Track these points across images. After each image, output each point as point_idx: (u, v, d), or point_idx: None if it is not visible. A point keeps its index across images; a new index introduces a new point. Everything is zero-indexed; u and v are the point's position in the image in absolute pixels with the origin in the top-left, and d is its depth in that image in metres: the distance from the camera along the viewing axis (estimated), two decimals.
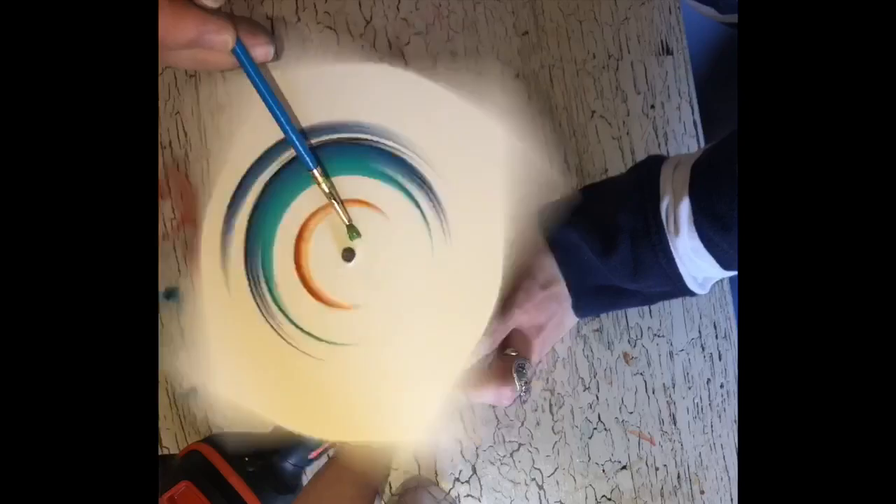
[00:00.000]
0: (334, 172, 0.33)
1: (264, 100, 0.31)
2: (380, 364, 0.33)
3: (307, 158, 0.31)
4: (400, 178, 0.33)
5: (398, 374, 0.33)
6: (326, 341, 0.33)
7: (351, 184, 0.33)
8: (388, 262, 0.33)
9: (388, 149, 0.33)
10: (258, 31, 0.31)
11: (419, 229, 0.33)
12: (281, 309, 0.33)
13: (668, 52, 0.51)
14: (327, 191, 0.31)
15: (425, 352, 0.33)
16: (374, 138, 0.32)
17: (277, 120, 0.31)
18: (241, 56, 0.30)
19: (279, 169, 0.33)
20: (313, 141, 0.32)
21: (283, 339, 0.33)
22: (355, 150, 0.33)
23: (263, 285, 0.33)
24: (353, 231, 0.31)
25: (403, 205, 0.33)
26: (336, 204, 0.31)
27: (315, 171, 0.31)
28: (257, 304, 0.33)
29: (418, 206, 0.33)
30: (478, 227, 0.33)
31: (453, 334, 0.33)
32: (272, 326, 0.32)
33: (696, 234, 0.37)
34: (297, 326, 0.33)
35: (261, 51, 0.31)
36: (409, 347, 0.33)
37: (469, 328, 0.33)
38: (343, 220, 0.32)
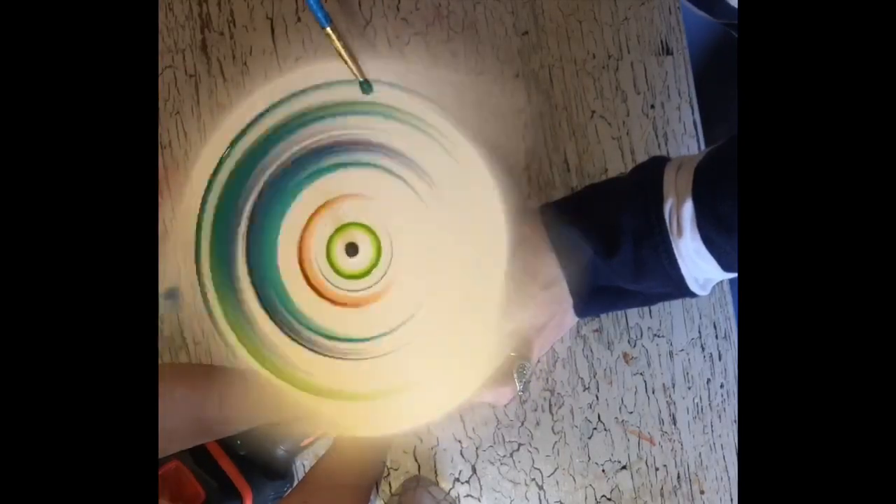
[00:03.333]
0: (325, 172, 0.33)
1: None
2: (382, 360, 0.33)
3: (320, 16, 0.33)
4: (401, 172, 0.33)
5: (400, 369, 0.33)
6: (333, 337, 0.33)
7: (347, 179, 0.33)
8: (389, 257, 0.33)
9: (394, 145, 0.33)
10: None
11: (421, 223, 0.33)
12: (287, 309, 0.33)
13: (668, 52, 0.51)
14: (341, 47, 0.32)
15: (433, 342, 0.33)
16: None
17: None
18: None
19: (280, 169, 0.33)
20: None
21: (290, 337, 0.33)
22: (347, 147, 0.33)
23: (268, 285, 0.33)
24: (366, 86, 0.32)
25: (406, 198, 0.33)
26: (349, 61, 0.32)
27: (328, 29, 0.32)
28: (262, 304, 0.33)
29: (421, 199, 0.33)
30: (479, 217, 0.33)
31: (459, 325, 0.33)
32: (278, 326, 0.32)
33: (698, 236, 0.37)
34: (303, 325, 0.33)
35: None
36: (415, 339, 0.33)
37: (475, 318, 0.33)
38: (357, 76, 0.32)
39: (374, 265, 0.33)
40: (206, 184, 0.33)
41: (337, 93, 0.33)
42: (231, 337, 0.33)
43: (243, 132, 0.33)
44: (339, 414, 0.33)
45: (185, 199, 0.32)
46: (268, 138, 0.33)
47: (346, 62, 0.32)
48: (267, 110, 0.33)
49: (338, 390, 0.32)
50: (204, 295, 0.33)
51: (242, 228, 0.33)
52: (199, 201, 0.33)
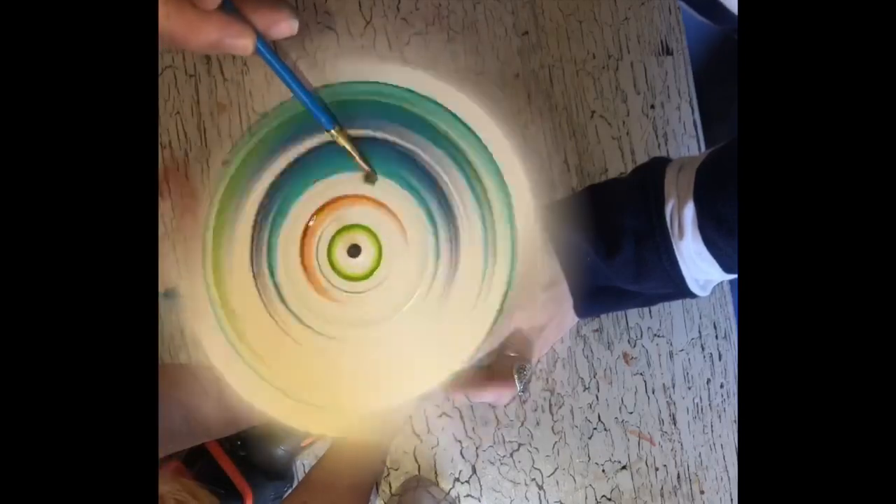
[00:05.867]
0: (330, 173, 0.33)
1: (289, 87, 0.31)
2: (377, 361, 0.33)
3: (324, 119, 0.31)
4: (407, 176, 0.33)
5: (394, 371, 0.33)
6: (326, 335, 0.33)
7: (353, 180, 0.33)
8: (392, 261, 0.33)
9: (400, 148, 0.33)
10: (279, 7, 0.31)
11: (424, 228, 0.33)
12: (283, 301, 0.33)
13: (668, 52, 0.51)
14: (349, 147, 0.32)
15: (426, 351, 0.33)
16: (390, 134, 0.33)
17: (303, 103, 0.31)
18: (266, 54, 0.31)
19: (285, 167, 0.34)
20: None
21: (281, 329, 0.33)
22: (368, 149, 0.33)
23: (267, 277, 0.33)
24: (371, 178, 0.32)
25: (409, 202, 0.33)
26: (357, 157, 0.32)
27: (333, 131, 0.32)
28: (259, 293, 0.33)
29: (425, 203, 0.33)
30: (485, 229, 0.33)
31: (456, 334, 0.33)
32: (272, 316, 0.33)
33: (699, 238, 0.37)
34: (297, 319, 0.33)
35: (284, 27, 0.31)
36: (410, 346, 0.33)
37: (473, 328, 0.33)
38: (364, 167, 0.32)
39: (376, 267, 0.33)
40: (211, 182, 0.33)
41: (347, 94, 0.33)
42: (230, 335, 0.33)
43: (251, 130, 0.33)
44: (335, 417, 0.33)
45: (190, 197, 0.32)
46: (275, 137, 0.33)
47: (353, 156, 0.32)
48: (275, 109, 0.33)
49: (334, 392, 0.33)
50: (206, 294, 0.33)
51: (247, 225, 0.33)
52: (205, 198, 0.33)
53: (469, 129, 0.33)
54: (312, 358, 0.33)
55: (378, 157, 0.33)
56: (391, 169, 0.33)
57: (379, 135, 0.33)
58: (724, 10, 0.56)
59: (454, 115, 0.33)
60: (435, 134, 0.33)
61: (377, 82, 0.33)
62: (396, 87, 0.33)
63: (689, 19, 0.52)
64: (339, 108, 0.33)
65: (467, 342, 0.33)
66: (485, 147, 0.33)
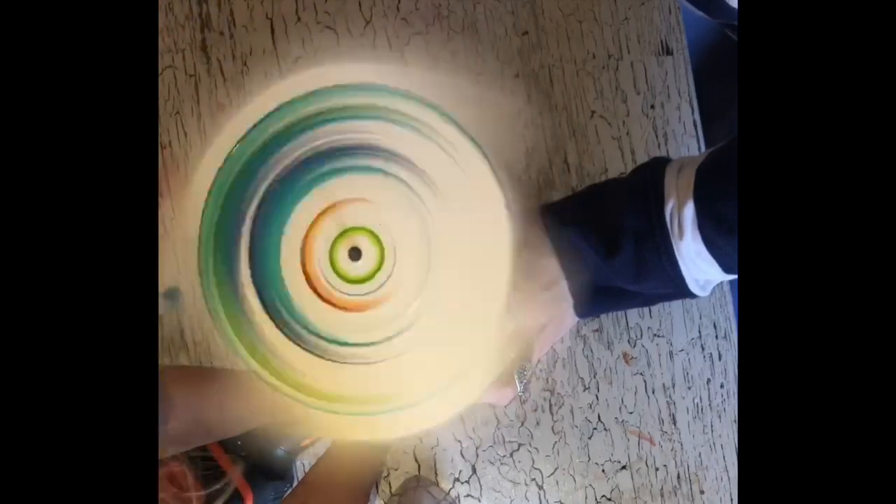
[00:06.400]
0: (330, 176, 0.33)
1: None
2: (379, 362, 0.33)
3: None
4: (406, 176, 0.33)
5: (402, 374, 0.33)
6: (328, 337, 0.33)
7: (352, 183, 0.33)
8: (394, 262, 0.33)
9: (399, 148, 0.33)
10: None
11: (424, 228, 0.33)
12: (289, 312, 0.33)
13: (668, 52, 0.51)
14: None
15: (433, 350, 0.33)
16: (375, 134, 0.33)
17: None
18: None
19: (286, 170, 0.33)
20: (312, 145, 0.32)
21: (292, 340, 0.33)
22: (352, 152, 0.33)
23: (268, 280, 0.33)
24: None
25: (408, 201, 0.33)
26: None
27: None
28: (260, 297, 0.33)
29: (424, 203, 0.33)
30: (483, 226, 0.33)
31: (461, 333, 0.33)
32: (273, 319, 0.33)
33: (699, 238, 0.37)
34: (306, 328, 0.33)
35: None
36: (417, 345, 0.33)
37: (477, 326, 0.33)
38: None
39: (378, 270, 0.33)
40: (210, 182, 0.33)
41: (346, 96, 0.33)
42: (232, 338, 0.33)
43: (251, 131, 0.33)
44: (338, 419, 0.33)
45: (189, 197, 0.32)
46: (275, 139, 0.33)
47: None
48: (275, 110, 0.33)
49: (337, 395, 0.33)
50: (206, 295, 0.33)
51: (246, 228, 0.33)
52: (203, 200, 0.33)
53: (467, 130, 0.33)
54: (314, 359, 0.33)
55: (377, 159, 0.33)
56: (390, 169, 0.33)
57: (376, 137, 0.33)
58: (722, 4, 0.56)
59: (452, 117, 0.33)
60: (433, 134, 0.33)
61: (375, 84, 0.33)
62: (393, 89, 0.33)
63: (686, 14, 0.52)
64: (338, 111, 0.33)
65: (472, 340, 0.33)
66: (482, 147, 0.33)
